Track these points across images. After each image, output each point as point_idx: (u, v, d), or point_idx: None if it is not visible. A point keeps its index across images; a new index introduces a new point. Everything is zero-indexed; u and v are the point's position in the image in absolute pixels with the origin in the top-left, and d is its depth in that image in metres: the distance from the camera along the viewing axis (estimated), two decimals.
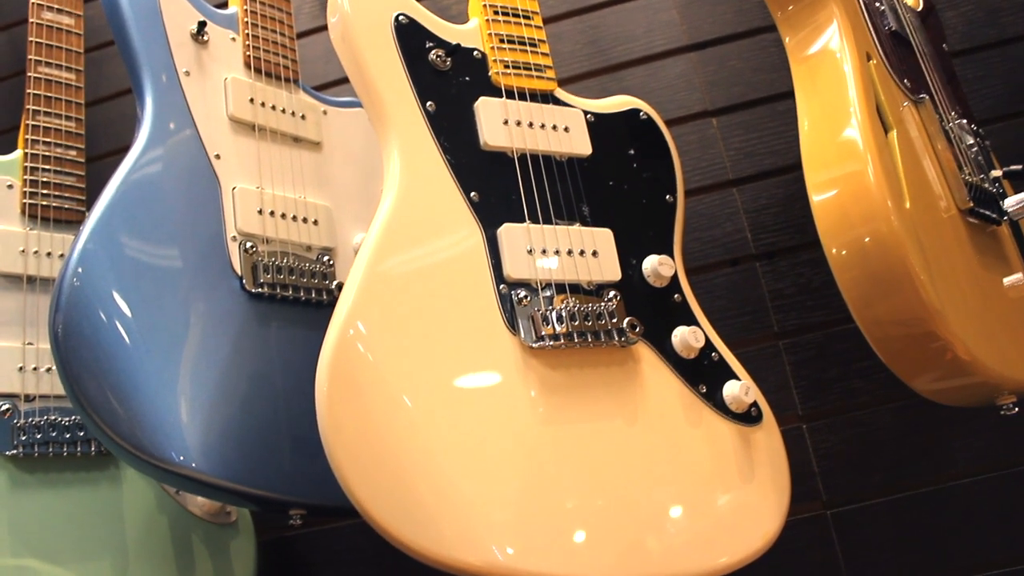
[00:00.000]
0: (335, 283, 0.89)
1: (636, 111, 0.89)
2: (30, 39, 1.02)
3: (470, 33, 0.84)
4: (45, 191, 0.97)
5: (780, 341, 1.01)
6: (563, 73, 1.15)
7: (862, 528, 0.95)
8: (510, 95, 0.82)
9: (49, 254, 0.96)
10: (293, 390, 0.81)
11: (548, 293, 0.73)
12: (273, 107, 0.93)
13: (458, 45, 0.82)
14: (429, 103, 0.78)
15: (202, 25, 0.90)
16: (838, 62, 0.71)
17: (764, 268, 1.04)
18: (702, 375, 0.77)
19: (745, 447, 0.76)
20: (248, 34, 0.95)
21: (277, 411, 0.80)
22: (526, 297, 0.72)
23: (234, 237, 0.84)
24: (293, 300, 0.85)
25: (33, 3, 1.04)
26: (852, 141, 0.66)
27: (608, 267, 0.78)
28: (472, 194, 0.75)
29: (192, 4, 0.92)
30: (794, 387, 1.00)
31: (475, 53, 0.83)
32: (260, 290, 0.83)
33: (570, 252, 0.77)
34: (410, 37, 0.80)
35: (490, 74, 0.82)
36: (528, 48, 0.85)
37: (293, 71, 0.97)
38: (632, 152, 0.86)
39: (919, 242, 0.63)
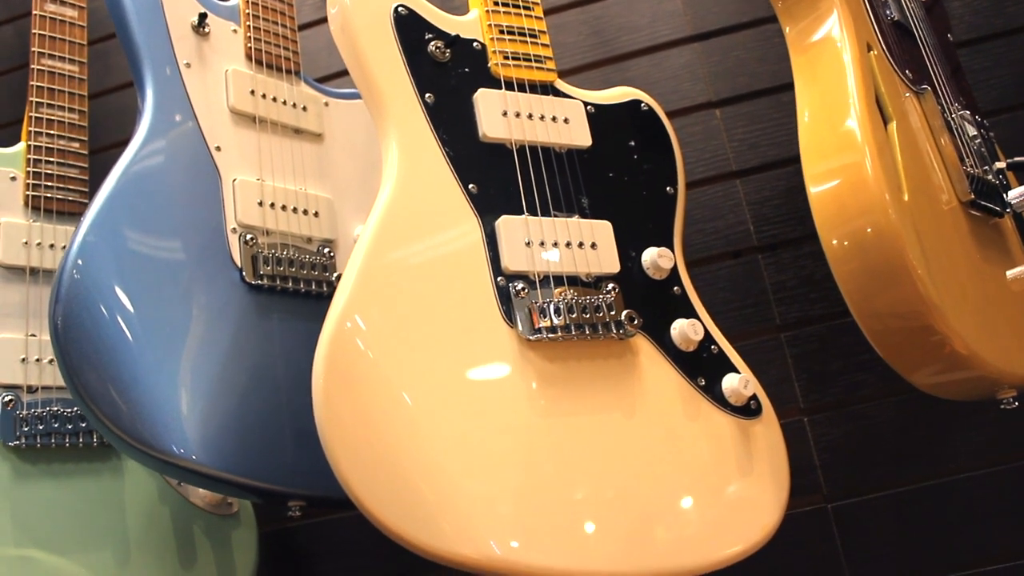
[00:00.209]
0: (335, 275, 0.89)
1: (637, 102, 0.88)
2: (33, 31, 1.03)
3: (470, 24, 0.84)
4: (48, 183, 0.98)
5: (782, 333, 1.01)
6: (566, 64, 1.14)
7: (863, 522, 0.95)
8: (509, 86, 0.81)
9: (52, 246, 0.96)
10: (293, 382, 0.82)
11: (546, 285, 0.73)
12: (274, 99, 0.93)
13: (457, 36, 0.81)
14: (428, 95, 0.78)
15: (203, 17, 0.90)
16: (838, 52, 0.70)
17: (766, 260, 1.03)
18: (701, 368, 0.77)
19: (744, 440, 0.76)
20: (249, 26, 0.95)
21: (277, 403, 0.80)
22: (524, 289, 0.72)
23: (234, 229, 0.84)
24: (293, 292, 0.85)
25: None
26: (850, 133, 0.65)
27: (607, 259, 0.77)
28: (470, 186, 0.75)
29: None
30: (795, 380, 0.99)
31: (475, 44, 0.83)
32: (260, 282, 0.83)
33: (568, 244, 0.76)
34: (409, 29, 0.80)
35: (489, 65, 0.82)
36: (528, 39, 0.85)
37: (294, 63, 0.97)
38: (633, 143, 0.86)
39: (917, 235, 0.63)
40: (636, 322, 0.75)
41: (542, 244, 0.75)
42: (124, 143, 0.82)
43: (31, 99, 1.00)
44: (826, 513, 0.96)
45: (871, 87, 0.69)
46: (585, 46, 1.14)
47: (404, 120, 0.76)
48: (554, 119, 0.82)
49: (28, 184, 0.97)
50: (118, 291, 0.75)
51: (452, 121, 0.78)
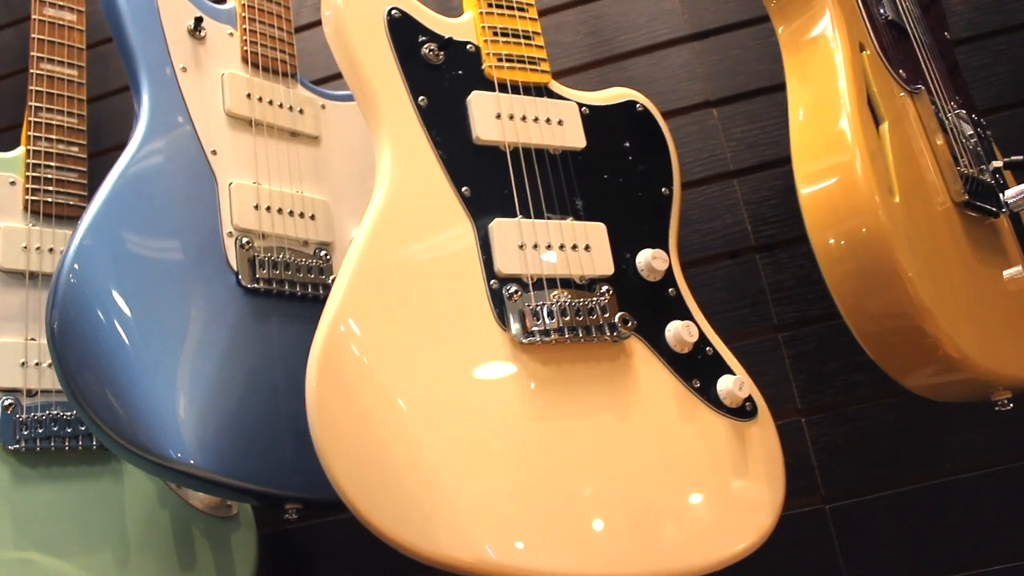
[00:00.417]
0: (332, 277, 0.89)
1: (632, 103, 0.88)
2: (32, 35, 1.03)
3: (464, 26, 0.84)
4: (47, 187, 0.98)
5: (780, 334, 1.01)
6: (565, 64, 1.14)
7: (861, 523, 0.94)
8: (503, 88, 0.81)
9: (51, 250, 0.97)
10: (290, 385, 0.82)
11: (539, 288, 0.73)
12: (270, 102, 0.93)
13: (450, 38, 0.81)
14: (421, 98, 0.78)
15: (199, 21, 0.91)
16: (830, 53, 0.70)
17: (764, 260, 1.03)
18: (696, 369, 0.77)
19: (739, 442, 0.76)
20: (246, 28, 0.95)
21: (274, 406, 0.80)
22: (517, 292, 0.72)
23: (230, 233, 0.84)
24: (289, 295, 0.86)
25: None
26: (841, 134, 0.65)
27: (601, 261, 0.77)
28: (464, 189, 0.75)
29: (189, 0, 0.93)
30: (793, 380, 0.99)
31: (468, 46, 0.83)
32: (256, 285, 0.83)
33: (562, 246, 0.76)
34: (403, 31, 0.80)
35: (483, 67, 0.82)
36: (522, 41, 0.85)
37: (291, 65, 0.97)
38: (628, 144, 0.86)
39: (908, 237, 0.62)
40: (630, 324, 0.75)
41: (535, 247, 0.75)
42: (124, 146, 0.82)
43: (30, 103, 1.00)
44: (824, 514, 0.95)
45: (863, 88, 0.69)
46: (583, 46, 1.14)
47: (397, 123, 0.76)
48: (548, 121, 0.82)
49: (27, 188, 0.97)
50: (115, 295, 0.75)
51: (445, 124, 0.78)
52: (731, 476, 0.74)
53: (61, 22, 1.05)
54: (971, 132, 0.80)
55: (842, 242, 0.63)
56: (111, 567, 0.88)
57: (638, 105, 0.88)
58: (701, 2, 1.11)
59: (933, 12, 0.93)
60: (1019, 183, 0.81)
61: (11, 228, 0.95)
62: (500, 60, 0.82)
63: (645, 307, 0.78)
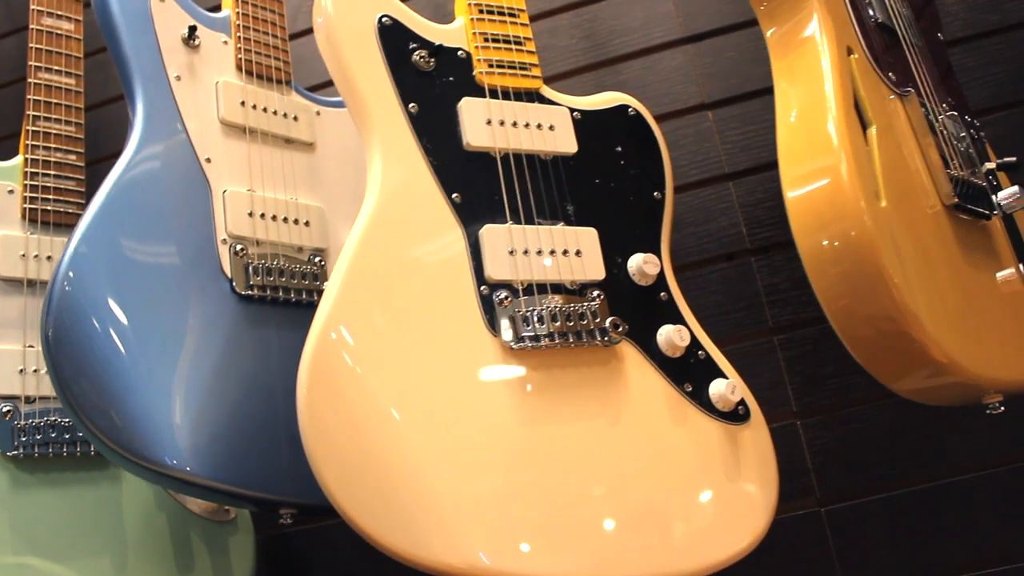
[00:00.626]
0: (326, 284, 0.89)
1: (624, 107, 0.88)
2: (30, 45, 1.04)
3: (455, 32, 0.84)
4: (45, 195, 0.99)
5: (775, 336, 1.00)
6: (559, 68, 1.14)
7: (857, 525, 0.94)
8: (494, 95, 0.82)
9: (49, 258, 0.97)
10: (284, 390, 0.82)
11: (530, 293, 0.73)
12: (264, 109, 0.94)
13: (440, 45, 0.81)
14: (412, 104, 0.78)
15: (193, 30, 0.91)
16: (816, 57, 0.70)
17: (759, 263, 1.03)
18: (688, 374, 0.77)
19: (732, 446, 0.76)
20: (240, 37, 0.95)
21: (268, 411, 0.81)
22: (507, 298, 0.72)
23: (224, 240, 0.84)
24: (284, 301, 0.86)
25: (33, 9, 1.06)
26: (826, 138, 0.65)
27: (592, 266, 0.78)
28: (454, 195, 0.76)
29: (184, 9, 0.93)
30: (788, 383, 0.99)
31: (459, 53, 0.83)
32: (250, 292, 0.83)
33: (552, 252, 0.76)
34: (393, 38, 0.80)
35: (474, 73, 0.82)
36: (513, 46, 0.85)
37: (285, 72, 0.98)
38: (620, 149, 0.86)
39: (894, 241, 0.62)
40: (620, 329, 0.75)
41: (526, 252, 0.75)
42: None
43: (28, 112, 1.01)
44: (819, 517, 0.95)
45: (849, 92, 0.69)
46: (578, 50, 1.14)
47: (388, 130, 0.76)
48: (539, 126, 0.82)
49: (25, 196, 0.98)
50: (109, 303, 0.76)
51: (436, 130, 0.78)
52: (723, 480, 0.74)
53: (59, 31, 1.06)
54: (963, 134, 0.80)
55: (827, 247, 0.63)
56: (109, 571, 0.89)
57: (630, 109, 0.88)
58: (695, 5, 1.11)
59: (927, 13, 0.92)
60: (1013, 184, 0.81)
61: (9, 236, 0.96)
62: (491, 66, 0.83)
63: (637, 312, 0.78)
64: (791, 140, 0.69)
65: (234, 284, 0.83)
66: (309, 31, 1.26)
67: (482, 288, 0.73)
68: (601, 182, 0.83)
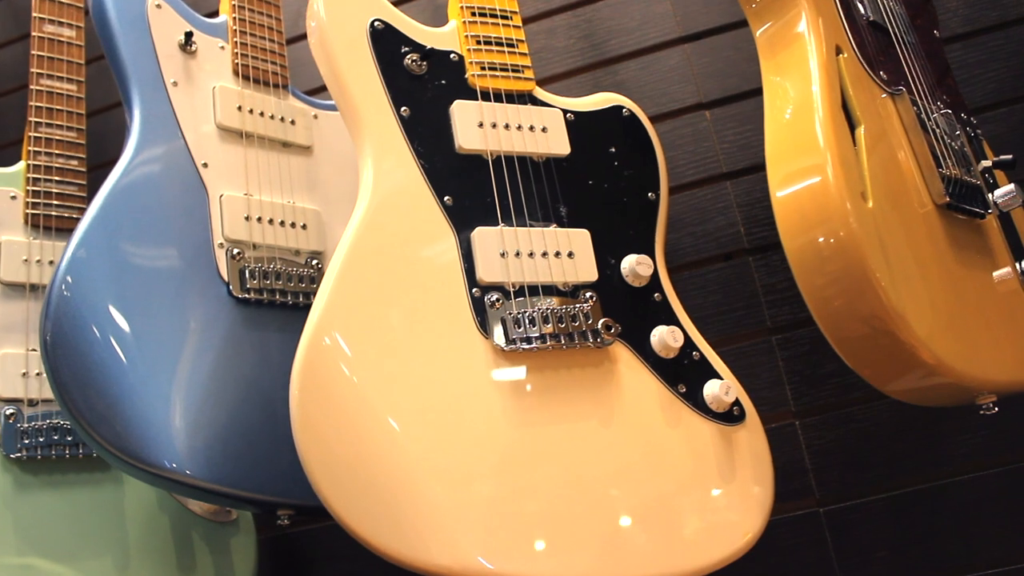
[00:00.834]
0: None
1: (618, 108, 0.88)
2: (32, 52, 1.05)
3: (448, 36, 0.84)
4: (47, 201, 1.00)
5: (773, 336, 1.00)
6: (557, 68, 1.14)
7: (856, 526, 0.94)
8: (486, 97, 0.82)
9: (51, 262, 0.98)
10: (281, 392, 0.82)
11: (521, 296, 0.74)
12: (261, 113, 0.94)
13: (432, 49, 0.82)
14: (403, 108, 0.78)
15: (189, 36, 0.92)
16: (804, 57, 0.69)
17: (757, 262, 1.03)
18: (682, 375, 0.77)
19: (726, 447, 0.76)
20: (237, 42, 0.96)
21: (265, 413, 0.81)
22: (499, 300, 0.73)
23: (221, 244, 0.85)
24: (280, 304, 0.87)
25: (35, 16, 1.07)
26: (811, 139, 0.64)
27: (584, 268, 0.78)
28: (446, 198, 0.76)
29: (180, 15, 0.94)
30: (787, 383, 0.99)
31: (452, 56, 0.83)
32: (246, 295, 0.84)
33: (544, 254, 0.77)
34: (385, 43, 0.81)
35: (466, 76, 0.83)
36: (506, 49, 0.85)
37: (282, 77, 0.98)
38: (613, 150, 0.86)
39: (881, 243, 0.62)
40: (613, 330, 0.75)
41: (517, 255, 0.75)
42: None
43: (30, 119, 1.02)
44: (818, 517, 0.95)
45: (837, 92, 0.68)
46: (575, 50, 1.14)
47: (380, 134, 0.77)
48: (531, 128, 0.82)
49: (28, 202, 0.99)
50: (107, 307, 0.77)
51: (428, 134, 0.78)
52: (718, 481, 0.74)
53: (60, 38, 1.07)
54: (958, 132, 0.79)
55: (813, 249, 0.63)
56: (112, 572, 0.90)
57: (624, 110, 0.88)
58: (692, 5, 1.11)
59: (924, 10, 0.92)
60: (1011, 182, 0.80)
61: (12, 241, 0.97)
62: (483, 69, 0.83)
63: (630, 313, 0.78)
64: (778, 140, 0.69)
65: (231, 287, 0.84)
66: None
67: (473, 291, 0.73)
68: (594, 183, 0.83)
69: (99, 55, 1.26)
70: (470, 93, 0.82)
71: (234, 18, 0.97)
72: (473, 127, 0.79)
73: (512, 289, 0.74)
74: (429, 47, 0.82)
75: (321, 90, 1.22)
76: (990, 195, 0.76)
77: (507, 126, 0.81)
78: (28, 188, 1.00)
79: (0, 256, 0.96)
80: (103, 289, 0.77)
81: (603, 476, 0.70)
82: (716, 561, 0.71)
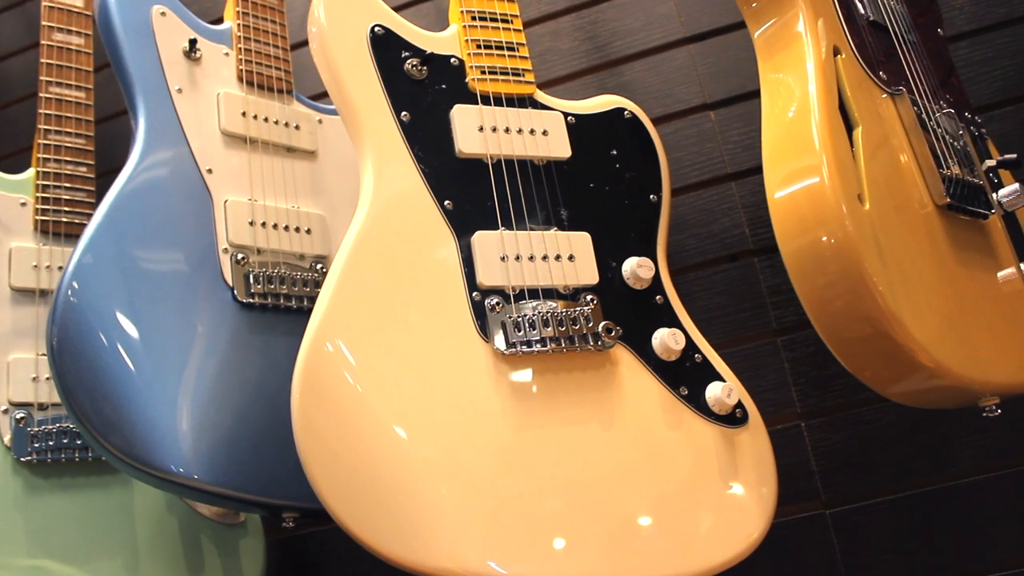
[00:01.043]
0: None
1: (620, 110, 0.88)
2: (41, 60, 1.06)
3: (448, 40, 0.85)
4: (56, 207, 1.01)
5: (779, 337, 1.00)
6: (561, 71, 1.14)
7: (862, 528, 0.93)
8: (486, 101, 0.82)
9: (61, 268, 1.00)
10: (286, 396, 0.83)
11: (521, 299, 0.74)
12: (266, 119, 0.95)
13: (432, 54, 0.82)
14: (404, 113, 0.79)
15: (193, 43, 0.93)
16: (801, 58, 0.69)
17: (763, 264, 1.02)
18: (684, 377, 0.77)
19: (729, 449, 0.75)
20: (241, 48, 0.97)
21: (270, 417, 0.82)
22: (499, 304, 0.73)
23: (225, 249, 0.86)
24: (285, 308, 0.87)
25: (44, 25, 1.08)
26: (807, 141, 0.64)
27: (585, 271, 0.78)
28: (446, 203, 0.76)
29: (185, 22, 0.95)
30: (792, 384, 0.98)
31: (452, 60, 0.83)
32: (251, 300, 0.85)
33: (545, 257, 0.77)
34: (386, 48, 0.81)
35: (467, 80, 0.83)
36: (506, 53, 0.85)
37: (287, 82, 0.99)
38: (615, 152, 0.86)
39: (878, 245, 0.61)
40: (613, 333, 0.75)
41: (518, 258, 0.76)
42: None
43: (39, 126, 1.04)
44: (824, 519, 0.94)
45: (834, 93, 0.68)
46: (580, 52, 1.14)
47: (380, 139, 0.77)
48: (532, 132, 0.82)
49: (37, 209, 1.01)
50: (112, 313, 0.78)
51: (428, 138, 0.78)
52: (721, 483, 0.74)
53: (69, 46, 1.08)
54: (960, 132, 0.78)
55: (809, 252, 0.63)
56: (121, 574, 0.91)
57: (626, 112, 0.88)
58: (696, 5, 1.11)
59: (928, 9, 0.91)
60: (1016, 182, 0.79)
61: (22, 248, 0.99)
62: (483, 73, 0.83)
63: (631, 315, 0.78)
64: (774, 142, 0.69)
65: (235, 292, 0.84)
66: None
67: (474, 294, 0.73)
68: (596, 186, 0.83)
69: (107, 62, 1.28)
70: (470, 97, 0.82)
71: (238, 24, 0.98)
72: (473, 131, 0.80)
73: (512, 293, 0.74)
74: (429, 52, 0.82)
75: (326, 95, 1.22)
76: (994, 195, 0.75)
77: (507, 130, 0.81)
78: (38, 195, 1.01)
79: (10, 262, 0.97)
80: (109, 295, 0.78)
81: (606, 479, 0.70)
82: (721, 563, 0.71)
